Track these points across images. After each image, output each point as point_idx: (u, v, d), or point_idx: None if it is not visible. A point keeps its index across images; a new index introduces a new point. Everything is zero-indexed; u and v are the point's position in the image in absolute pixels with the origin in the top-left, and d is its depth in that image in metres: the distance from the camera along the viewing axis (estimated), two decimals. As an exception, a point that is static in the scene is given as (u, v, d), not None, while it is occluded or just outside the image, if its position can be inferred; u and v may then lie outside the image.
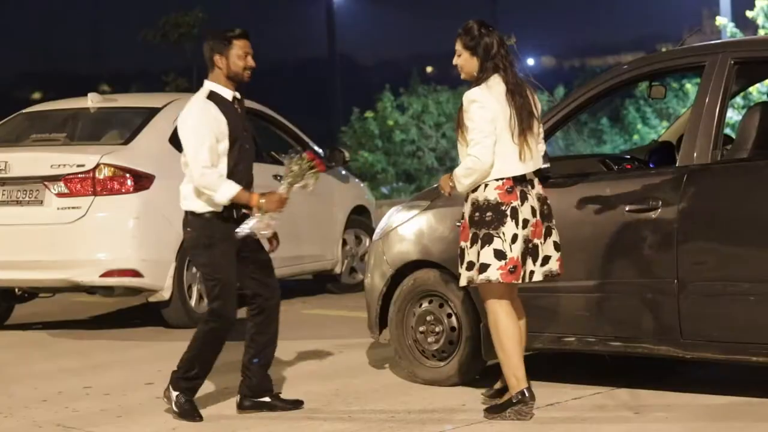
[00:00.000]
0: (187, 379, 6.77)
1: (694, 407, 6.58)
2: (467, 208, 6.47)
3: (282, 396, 6.99)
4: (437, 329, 7.34)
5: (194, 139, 6.57)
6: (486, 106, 6.36)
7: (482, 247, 6.35)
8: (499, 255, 6.34)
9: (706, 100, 6.71)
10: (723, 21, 19.77)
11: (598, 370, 7.50)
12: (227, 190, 6.56)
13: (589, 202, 6.90)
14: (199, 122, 6.58)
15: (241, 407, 6.87)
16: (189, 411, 6.73)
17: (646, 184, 6.77)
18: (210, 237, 6.66)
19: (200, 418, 6.72)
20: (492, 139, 6.33)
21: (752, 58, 6.92)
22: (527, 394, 6.46)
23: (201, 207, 6.67)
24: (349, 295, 11.87)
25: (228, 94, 6.69)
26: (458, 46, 6.55)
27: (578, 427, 6.31)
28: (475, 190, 6.41)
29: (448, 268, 7.21)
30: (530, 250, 6.43)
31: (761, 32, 18.53)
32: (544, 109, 7.76)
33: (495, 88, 6.42)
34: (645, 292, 6.67)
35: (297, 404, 6.95)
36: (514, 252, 6.34)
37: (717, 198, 6.54)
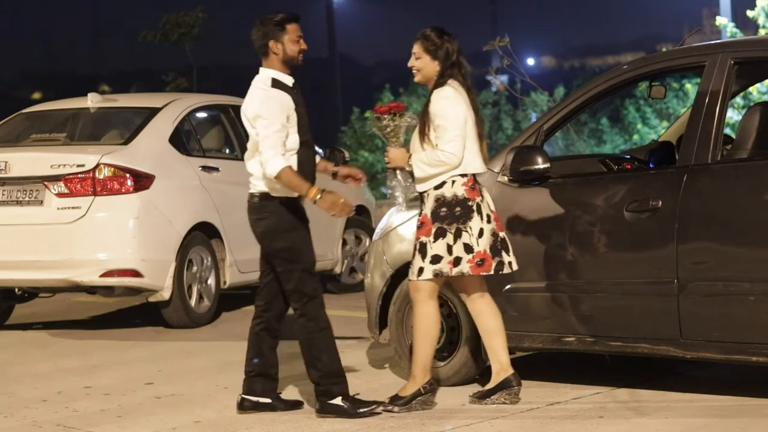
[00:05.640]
0: (339, 384, 6.66)
1: (694, 407, 6.58)
2: (429, 204, 6.62)
3: (282, 396, 6.98)
4: (437, 329, 7.33)
5: (271, 125, 6.48)
6: (458, 105, 6.58)
7: (454, 241, 6.56)
8: (468, 249, 6.57)
9: (706, 100, 6.70)
10: (723, 21, 19.78)
11: (598, 370, 7.50)
12: (277, 163, 6.46)
13: (589, 202, 6.90)
14: (275, 108, 6.51)
15: (241, 407, 6.87)
16: (361, 405, 6.67)
17: (646, 184, 6.77)
18: (290, 221, 6.66)
19: (377, 404, 6.68)
20: (464, 137, 6.58)
21: (752, 58, 6.91)
22: (434, 385, 6.80)
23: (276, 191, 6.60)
24: (349, 295, 11.86)
25: (288, 80, 6.67)
26: (417, 49, 6.72)
27: (578, 426, 6.30)
28: (440, 186, 6.60)
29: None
30: (501, 243, 6.65)
31: (761, 32, 18.54)
32: (544, 109, 7.75)
33: (459, 90, 6.64)
34: (645, 292, 6.67)
35: (297, 405, 6.94)
36: (481, 246, 6.58)
37: (717, 198, 6.53)
